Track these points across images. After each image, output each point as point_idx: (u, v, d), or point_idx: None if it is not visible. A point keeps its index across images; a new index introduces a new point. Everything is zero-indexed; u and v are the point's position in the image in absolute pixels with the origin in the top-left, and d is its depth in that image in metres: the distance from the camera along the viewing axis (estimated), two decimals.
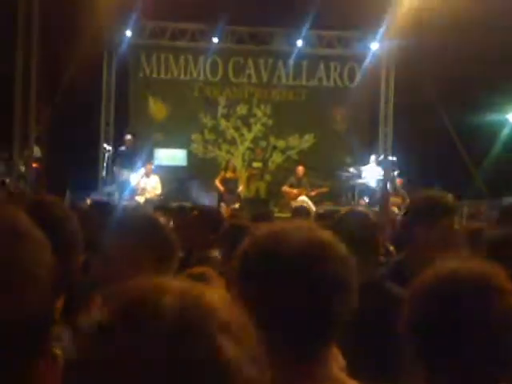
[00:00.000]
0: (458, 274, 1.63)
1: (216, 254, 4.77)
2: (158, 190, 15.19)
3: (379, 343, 2.55)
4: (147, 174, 15.22)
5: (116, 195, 14.70)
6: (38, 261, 1.21)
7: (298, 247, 1.48)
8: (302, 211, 8.41)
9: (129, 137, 15.55)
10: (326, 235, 1.55)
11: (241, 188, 15.98)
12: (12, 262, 1.16)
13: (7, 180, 12.58)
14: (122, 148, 15.50)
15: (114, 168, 15.55)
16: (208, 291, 0.87)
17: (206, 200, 14.88)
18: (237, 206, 14.67)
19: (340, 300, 1.48)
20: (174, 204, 11.32)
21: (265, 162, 16.97)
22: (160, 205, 11.73)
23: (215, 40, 17.05)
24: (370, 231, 3.29)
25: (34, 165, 13.80)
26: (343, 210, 4.34)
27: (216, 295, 0.87)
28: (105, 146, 16.37)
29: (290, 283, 1.45)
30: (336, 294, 1.48)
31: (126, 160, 15.20)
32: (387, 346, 2.32)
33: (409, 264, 3.26)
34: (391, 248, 6.01)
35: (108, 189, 15.44)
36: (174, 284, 0.87)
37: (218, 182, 15.65)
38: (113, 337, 0.81)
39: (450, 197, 3.59)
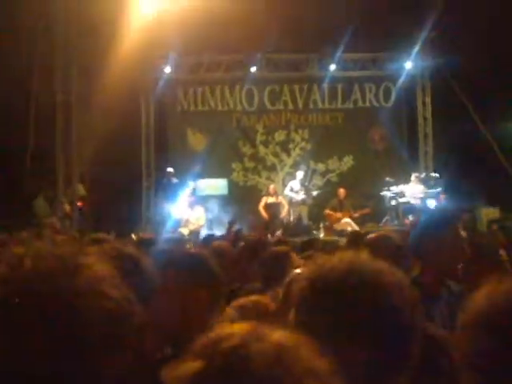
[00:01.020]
0: None
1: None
2: (202, 221, 15.27)
3: None
4: (190, 206, 15.34)
5: (160, 229, 14.82)
6: None
7: (368, 279, 1.48)
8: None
9: (170, 169, 15.75)
10: (387, 266, 1.54)
11: (283, 213, 16.00)
12: None
13: (54, 220, 12.78)
14: (164, 181, 15.70)
15: (157, 201, 15.73)
16: (297, 340, 0.89)
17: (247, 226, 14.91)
18: (280, 232, 14.68)
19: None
20: (219, 234, 11.38)
21: (306, 186, 16.96)
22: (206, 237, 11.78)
23: (253, 69, 17.26)
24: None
25: (79, 203, 14.03)
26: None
27: (306, 345, 0.90)
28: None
29: (362, 315, 1.44)
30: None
31: (168, 193, 15.38)
32: None
33: (424, 280, 3.25)
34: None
35: (152, 223, 15.59)
36: (269, 333, 0.89)
37: (261, 208, 15.71)
38: None
39: (451, 209, 3.58)
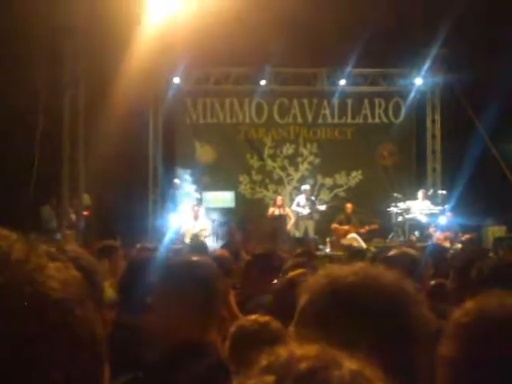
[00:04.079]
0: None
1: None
2: (207, 232, 15.29)
3: None
4: (195, 217, 15.35)
5: (165, 240, 14.81)
6: None
7: (386, 295, 1.47)
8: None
9: (176, 181, 15.78)
10: (402, 279, 1.54)
11: (289, 226, 15.99)
12: None
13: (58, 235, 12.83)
14: (170, 192, 15.72)
15: (163, 213, 15.76)
16: (370, 369, 0.89)
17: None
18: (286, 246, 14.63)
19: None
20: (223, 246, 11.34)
21: (312, 200, 16.92)
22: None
23: (262, 82, 17.29)
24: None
25: (85, 213, 14.08)
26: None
27: (379, 375, 0.89)
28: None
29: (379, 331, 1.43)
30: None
31: (174, 204, 15.41)
32: None
33: None
34: None
35: (157, 234, 15.57)
36: (344, 360, 0.87)
37: (268, 217, 15.76)
38: None
39: None
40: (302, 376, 0.83)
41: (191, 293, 2.44)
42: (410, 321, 1.46)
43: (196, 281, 2.47)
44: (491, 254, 9.63)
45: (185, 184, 16.03)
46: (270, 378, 0.83)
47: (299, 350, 0.88)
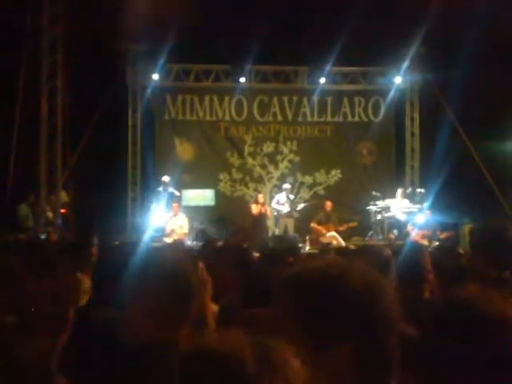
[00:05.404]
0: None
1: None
2: (185, 229, 15.23)
3: None
4: (175, 214, 15.29)
5: (144, 237, 14.74)
6: None
7: (360, 283, 1.52)
8: None
9: (166, 178, 15.66)
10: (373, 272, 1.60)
11: (268, 224, 16.03)
12: None
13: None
14: (160, 189, 15.60)
15: (147, 210, 15.68)
16: None
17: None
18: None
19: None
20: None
21: (292, 198, 16.92)
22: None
23: (242, 79, 17.24)
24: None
25: (62, 210, 13.95)
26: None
27: None
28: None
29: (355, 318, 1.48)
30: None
31: (164, 202, 15.32)
32: None
33: None
34: None
35: (136, 232, 15.50)
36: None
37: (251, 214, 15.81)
38: None
39: None
40: None
41: (160, 290, 2.41)
42: (379, 310, 1.50)
43: (167, 278, 2.44)
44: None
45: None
46: None
47: None
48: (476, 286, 1.69)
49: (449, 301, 1.66)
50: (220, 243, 9.08)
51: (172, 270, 2.47)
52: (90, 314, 2.86)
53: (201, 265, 3.97)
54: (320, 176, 17.99)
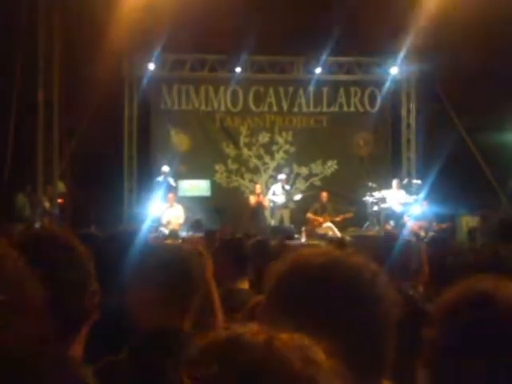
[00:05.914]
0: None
1: (244, 285, 4.60)
2: (181, 219, 15.22)
3: None
4: (170, 205, 15.27)
5: (142, 227, 14.68)
6: None
7: (350, 273, 1.48)
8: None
9: (165, 169, 15.63)
10: (365, 260, 1.55)
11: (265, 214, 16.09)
12: None
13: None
14: (160, 179, 15.58)
15: (145, 200, 15.66)
16: None
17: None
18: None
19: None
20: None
21: (288, 189, 16.92)
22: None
23: (237, 70, 17.18)
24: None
25: (59, 200, 13.92)
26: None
27: None
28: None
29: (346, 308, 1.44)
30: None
31: (163, 192, 15.33)
32: None
33: None
34: None
35: (134, 222, 15.46)
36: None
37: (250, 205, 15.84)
38: None
39: None
40: None
41: (161, 279, 2.40)
42: (374, 302, 1.46)
43: (166, 267, 2.44)
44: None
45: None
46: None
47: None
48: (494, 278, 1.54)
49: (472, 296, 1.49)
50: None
51: (171, 259, 2.47)
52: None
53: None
54: (316, 167, 17.96)
